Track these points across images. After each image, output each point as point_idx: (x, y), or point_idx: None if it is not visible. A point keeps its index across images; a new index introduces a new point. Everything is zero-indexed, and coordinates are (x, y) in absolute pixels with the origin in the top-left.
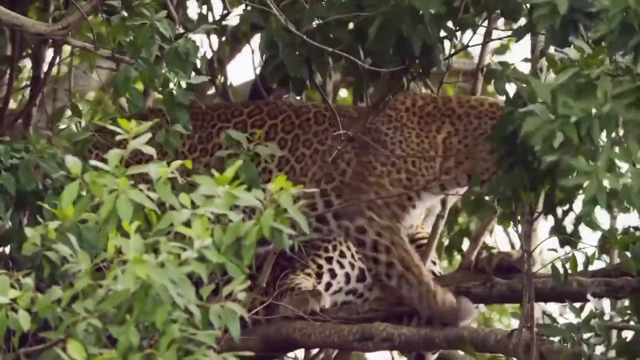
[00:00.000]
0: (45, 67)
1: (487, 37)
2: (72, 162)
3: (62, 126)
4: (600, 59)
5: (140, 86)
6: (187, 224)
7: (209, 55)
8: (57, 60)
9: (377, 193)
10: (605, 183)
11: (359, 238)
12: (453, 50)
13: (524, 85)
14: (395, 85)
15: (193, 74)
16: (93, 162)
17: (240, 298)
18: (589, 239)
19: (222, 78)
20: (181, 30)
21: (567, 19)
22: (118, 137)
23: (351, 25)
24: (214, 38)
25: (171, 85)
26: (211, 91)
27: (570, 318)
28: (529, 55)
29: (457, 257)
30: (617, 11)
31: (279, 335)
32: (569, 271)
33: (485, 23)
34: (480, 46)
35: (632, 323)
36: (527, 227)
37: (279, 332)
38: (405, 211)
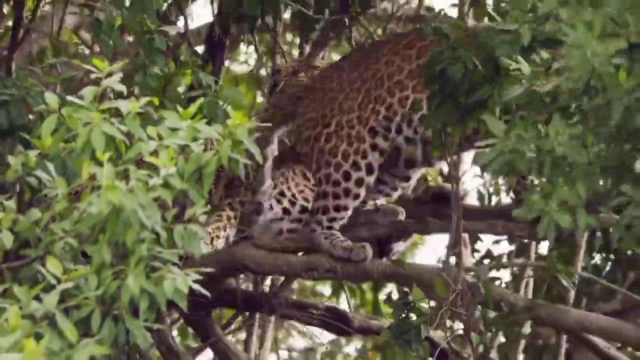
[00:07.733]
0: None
1: None
2: (50, 98)
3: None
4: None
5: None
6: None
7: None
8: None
9: None
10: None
11: None
12: None
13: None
14: (335, 24)
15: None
16: (70, 98)
17: (201, 220)
18: None
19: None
20: None
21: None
22: (93, 76)
23: None
24: None
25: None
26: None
27: None
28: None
29: None
30: (581, 74)
31: (233, 260)
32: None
33: None
34: None
35: None
36: (456, 156)
37: (233, 256)
38: None
